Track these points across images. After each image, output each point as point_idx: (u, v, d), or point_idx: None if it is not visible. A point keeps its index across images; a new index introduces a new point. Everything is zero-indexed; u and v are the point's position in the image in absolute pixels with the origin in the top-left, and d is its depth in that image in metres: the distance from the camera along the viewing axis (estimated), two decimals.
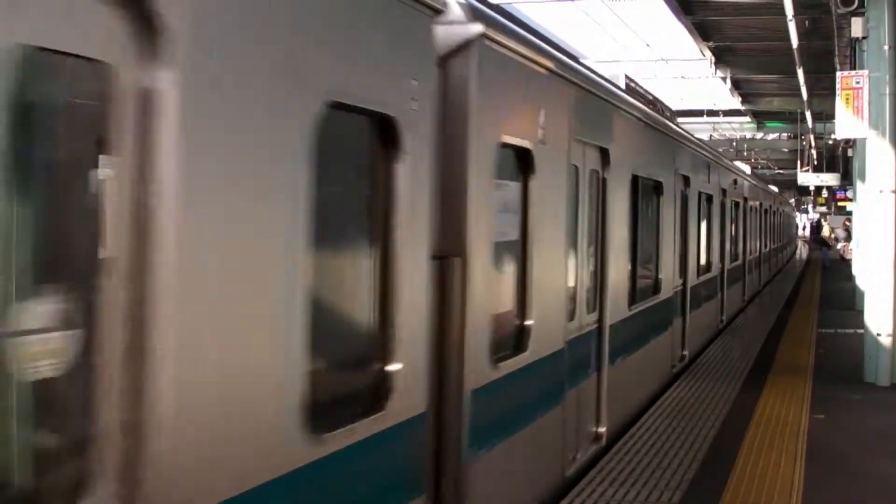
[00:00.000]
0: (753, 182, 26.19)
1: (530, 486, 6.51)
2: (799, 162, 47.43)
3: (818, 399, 10.95)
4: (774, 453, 8.42)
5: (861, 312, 13.51)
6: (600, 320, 8.43)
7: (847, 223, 43.33)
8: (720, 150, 30.80)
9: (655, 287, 11.03)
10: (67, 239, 2.80)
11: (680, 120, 27.56)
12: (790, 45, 23.76)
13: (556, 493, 7.04)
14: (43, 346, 2.61)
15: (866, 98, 12.69)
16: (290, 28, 3.46)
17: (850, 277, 25.98)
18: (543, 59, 6.33)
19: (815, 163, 48.55)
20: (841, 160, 43.12)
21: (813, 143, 47.28)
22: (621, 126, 8.98)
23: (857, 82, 12.92)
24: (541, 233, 6.35)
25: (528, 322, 6.24)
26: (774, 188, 39.40)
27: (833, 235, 49.77)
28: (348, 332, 4.37)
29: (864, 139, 13.37)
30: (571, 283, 7.42)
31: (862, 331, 12.88)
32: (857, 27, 14.07)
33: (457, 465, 5.13)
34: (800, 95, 31.95)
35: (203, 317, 2.99)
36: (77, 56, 2.58)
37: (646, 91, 13.00)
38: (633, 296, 9.67)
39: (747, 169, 29.22)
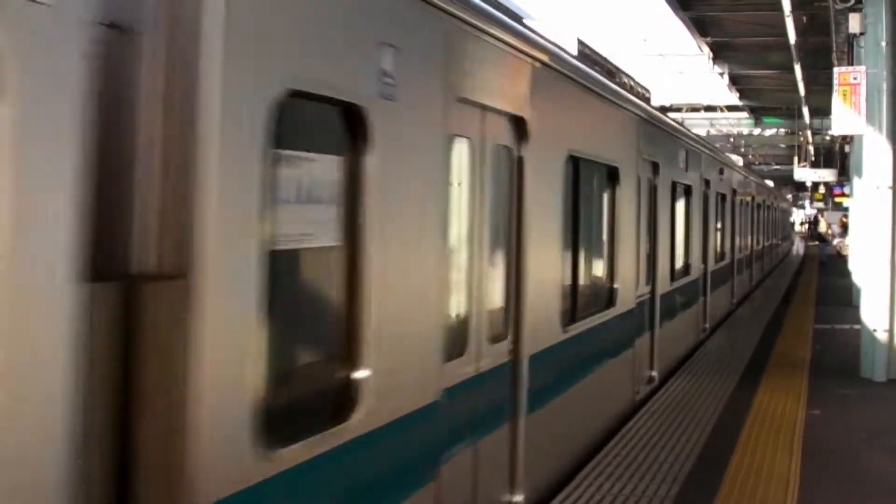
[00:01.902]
0: (744, 173, 24.11)
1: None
2: (796, 158, 47.48)
3: (814, 394, 10.97)
4: (770, 448, 8.45)
5: (858, 308, 13.53)
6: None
7: (844, 219, 43.41)
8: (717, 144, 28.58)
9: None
10: None
11: (677, 116, 27.59)
12: (788, 41, 23.76)
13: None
14: None
15: (863, 94, 12.70)
16: None
17: (847, 273, 26.02)
18: None
19: (813, 158, 48.61)
20: (838, 156, 43.20)
21: (810, 139, 47.36)
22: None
23: (855, 78, 12.93)
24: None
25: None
26: (770, 182, 35.30)
27: (829, 231, 49.96)
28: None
29: (861, 135, 13.38)
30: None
31: (858, 326, 12.90)
32: (854, 23, 14.08)
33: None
34: (797, 91, 31.96)
35: None
36: None
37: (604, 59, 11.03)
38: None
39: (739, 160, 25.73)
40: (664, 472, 7.60)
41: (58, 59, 2.53)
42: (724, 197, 18.24)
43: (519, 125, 6.18)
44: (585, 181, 8.16)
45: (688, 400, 10.45)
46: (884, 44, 12.29)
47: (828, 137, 41.92)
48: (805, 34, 23.14)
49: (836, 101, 13.10)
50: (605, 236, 9.11)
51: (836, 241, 48.90)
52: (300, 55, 3.66)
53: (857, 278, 20.99)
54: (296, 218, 3.75)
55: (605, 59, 11.45)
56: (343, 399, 4.03)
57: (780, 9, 20.39)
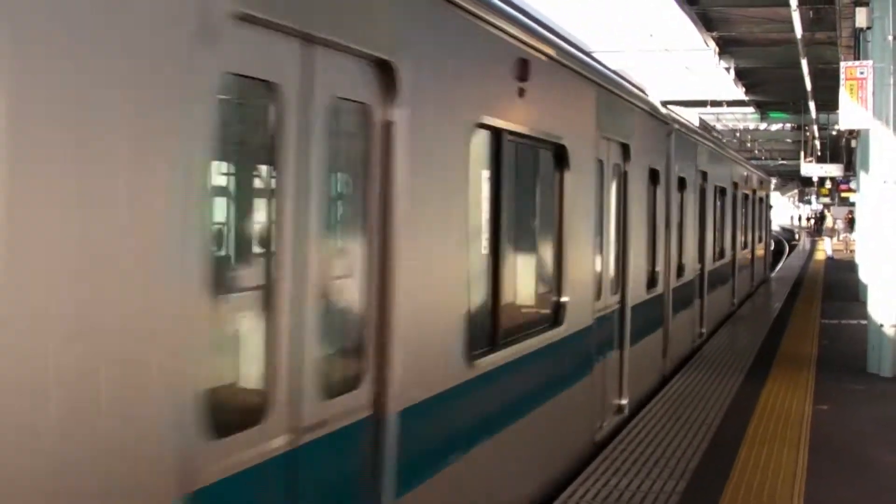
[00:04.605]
0: (745, 164, 20.78)
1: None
2: (802, 152, 47.41)
3: (821, 390, 10.96)
4: (778, 443, 8.44)
5: (864, 303, 13.51)
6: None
7: (850, 214, 43.36)
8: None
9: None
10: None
11: (682, 110, 27.38)
12: (794, 36, 23.73)
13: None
14: None
15: (870, 88, 12.67)
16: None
17: (854, 268, 25.98)
18: None
19: (819, 153, 48.57)
20: (844, 151, 43.14)
21: (816, 134, 47.29)
22: None
23: (861, 72, 12.90)
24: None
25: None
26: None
27: (834, 226, 50.01)
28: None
29: (868, 129, 13.36)
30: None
31: (865, 321, 12.88)
32: (861, 17, 14.07)
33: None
34: (804, 86, 31.90)
35: None
36: None
37: None
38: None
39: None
40: (671, 466, 7.60)
41: None
42: (723, 190, 16.52)
43: (386, 74, 4.26)
44: (510, 161, 6.03)
45: (694, 395, 10.44)
46: (891, 38, 12.25)
47: (834, 132, 41.84)
48: (811, 28, 23.11)
49: (843, 95, 13.06)
50: (545, 236, 7.03)
51: (842, 237, 48.89)
52: None
53: (863, 273, 20.95)
54: None
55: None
56: None
57: (786, 3, 20.36)
